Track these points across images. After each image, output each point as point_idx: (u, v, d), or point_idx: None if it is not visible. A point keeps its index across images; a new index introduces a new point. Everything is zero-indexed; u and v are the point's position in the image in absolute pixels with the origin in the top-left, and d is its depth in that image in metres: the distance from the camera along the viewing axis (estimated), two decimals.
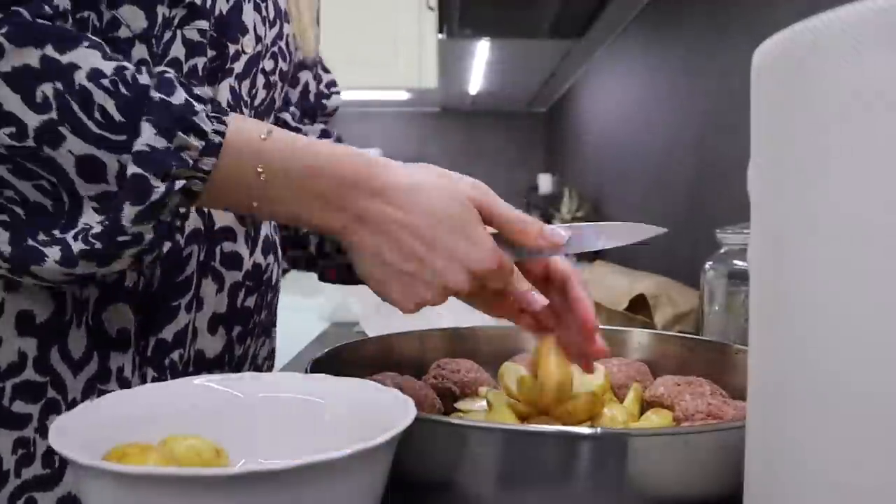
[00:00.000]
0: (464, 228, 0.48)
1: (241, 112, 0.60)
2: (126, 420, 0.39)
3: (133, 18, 0.52)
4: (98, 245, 0.43)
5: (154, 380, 0.56)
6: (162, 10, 0.53)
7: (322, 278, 0.74)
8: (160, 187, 0.43)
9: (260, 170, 0.45)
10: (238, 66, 0.59)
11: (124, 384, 0.55)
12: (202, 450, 0.38)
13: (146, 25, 0.52)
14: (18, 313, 0.50)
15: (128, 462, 0.34)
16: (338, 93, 0.80)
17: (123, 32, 0.51)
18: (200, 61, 0.55)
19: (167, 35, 0.54)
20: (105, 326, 0.54)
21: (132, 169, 0.43)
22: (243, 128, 0.46)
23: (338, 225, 0.48)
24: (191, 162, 0.44)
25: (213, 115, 0.45)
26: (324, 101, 0.78)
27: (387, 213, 0.47)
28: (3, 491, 0.50)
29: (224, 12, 0.57)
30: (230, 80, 0.59)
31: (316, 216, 0.48)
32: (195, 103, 0.44)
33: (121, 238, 0.43)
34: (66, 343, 0.52)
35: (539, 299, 0.55)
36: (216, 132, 0.44)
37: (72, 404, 0.52)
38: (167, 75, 0.45)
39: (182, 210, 0.47)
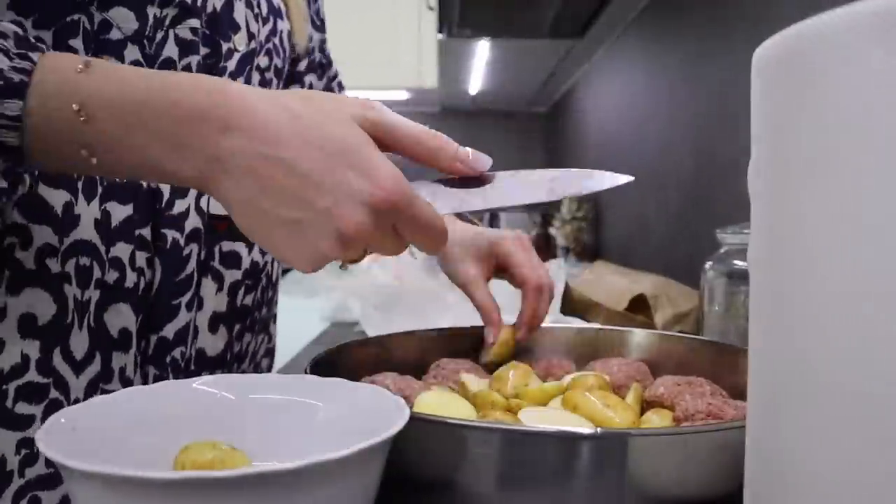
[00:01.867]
0: (352, 155, 0.39)
1: None
2: (118, 423, 0.39)
3: (124, 20, 0.51)
4: None
5: (156, 378, 0.57)
6: (153, 11, 0.53)
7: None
8: None
9: (76, 107, 0.38)
10: (231, 65, 0.59)
11: (126, 384, 0.55)
12: (224, 454, 0.37)
13: (137, 27, 0.52)
14: (21, 316, 0.50)
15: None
16: (342, 89, 0.80)
17: (115, 34, 0.51)
18: (194, 59, 0.55)
19: (159, 35, 0.53)
20: (107, 327, 0.54)
21: None
22: (57, 64, 0.38)
23: (191, 171, 0.39)
24: None
25: (17, 51, 0.38)
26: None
27: (250, 149, 0.38)
28: (7, 490, 0.50)
29: (217, 9, 0.57)
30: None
31: (165, 162, 0.39)
32: None
33: None
34: (69, 344, 0.52)
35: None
36: (16, 69, 0.37)
37: (75, 404, 0.52)
38: None
39: (8, 170, 0.40)
